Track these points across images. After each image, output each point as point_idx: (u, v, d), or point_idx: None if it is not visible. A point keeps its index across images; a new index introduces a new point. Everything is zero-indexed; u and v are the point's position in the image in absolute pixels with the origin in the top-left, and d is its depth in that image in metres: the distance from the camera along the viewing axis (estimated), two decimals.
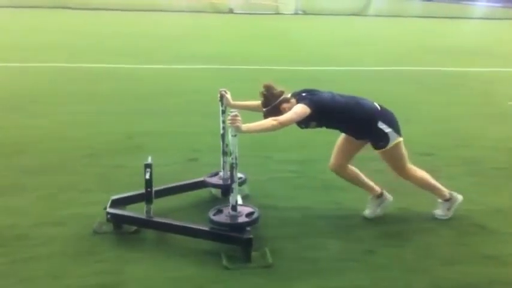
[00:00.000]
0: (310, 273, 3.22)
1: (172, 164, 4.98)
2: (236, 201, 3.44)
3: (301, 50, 13.56)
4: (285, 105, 3.66)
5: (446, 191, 3.97)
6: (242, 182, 4.13)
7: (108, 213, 3.63)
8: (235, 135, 3.32)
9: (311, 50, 13.58)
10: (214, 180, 4.18)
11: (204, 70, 10.17)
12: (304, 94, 3.72)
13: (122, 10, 22.86)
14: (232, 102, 3.98)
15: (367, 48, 14.13)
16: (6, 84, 8.39)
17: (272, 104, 3.67)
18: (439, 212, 4.00)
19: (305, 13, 24.58)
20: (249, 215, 3.49)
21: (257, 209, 3.56)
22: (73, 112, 6.74)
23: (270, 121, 3.50)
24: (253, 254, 3.36)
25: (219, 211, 3.53)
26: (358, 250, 3.51)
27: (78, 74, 9.44)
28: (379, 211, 4.00)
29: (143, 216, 3.58)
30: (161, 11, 23.35)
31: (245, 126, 3.35)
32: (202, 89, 8.24)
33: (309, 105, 3.56)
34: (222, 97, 3.99)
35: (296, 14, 24.43)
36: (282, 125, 3.48)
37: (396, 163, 3.85)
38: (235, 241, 3.39)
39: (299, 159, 5.25)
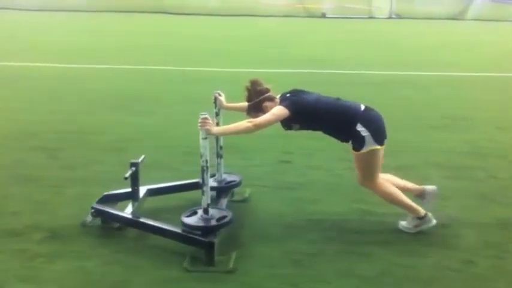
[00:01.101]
0: (409, 280, 3.18)
1: (264, 165, 5.07)
2: (208, 204, 3.38)
3: (395, 54, 13.27)
4: (267, 104, 3.62)
5: (421, 211, 3.71)
6: (235, 185, 4.15)
7: (92, 208, 3.74)
8: (205, 138, 3.28)
9: (405, 54, 13.27)
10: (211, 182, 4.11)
11: (296, 74, 10.21)
12: (288, 95, 3.66)
13: (216, 15, 23.45)
14: (225, 104, 3.98)
15: (464, 54, 13.61)
16: (112, 84, 8.88)
17: (254, 100, 3.65)
18: (404, 223, 3.78)
19: (399, 17, 24.02)
20: (220, 219, 3.42)
21: (230, 213, 3.50)
22: (170, 112, 7.03)
23: (245, 123, 3.44)
24: (219, 258, 3.31)
25: (194, 213, 3.49)
26: (457, 259, 3.42)
27: (173, 76, 9.83)
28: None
29: (122, 213, 3.68)
30: (254, 15, 23.70)
31: (217, 129, 3.40)
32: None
33: (288, 106, 3.50)
34: (215, 99, 3.99)
35: (390, 18, 23.93)
36: (257, 127, 3.42)
37: (365, 170, 3.66)
38: (198, 244, 3.35)
39: (396, 165, 5.16)
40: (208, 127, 3.26)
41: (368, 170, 3.67)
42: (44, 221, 3.87)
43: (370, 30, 18.90)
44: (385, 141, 3.64)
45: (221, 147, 4.03)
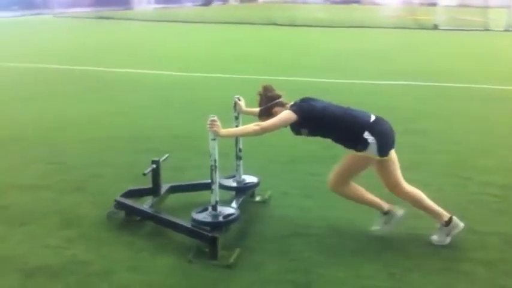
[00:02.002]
0: None
1: (367, 177, 5.01)
2: (216, 202, 3.56)
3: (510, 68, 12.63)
4: (277, 109, 3.71)
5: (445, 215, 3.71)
6: (253, 186, 4.33)
7: (115, 200, 4.03)
8: (214, 139, 3.45)
9: None
10: (228, 182, 4.30)
11: (404, 86, 10.06)
12: (298, 101, 3.72)
13: (323, 26, 23.55)
14: (244, 108, 4.09)
15: None
16: (221, 93, 9.20)
17: (265, 105, 3.76)
18: (435, 237, 3.74)
19: None
20: (227, 216, 3.61)
21: (238, 211, 3.70)
22: None
23: (252, 126, 3.59)
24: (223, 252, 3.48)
25: (205, 209, 3.66)
26: None
27: (276, 86, 9.96)
28: (387, 228, 3.84)
29: (140, 207, 3.96)
30: (364, 27, 23.51)
31: (225, 131, 3.49)
32: (400, 105, 8.17)
33: (296, 112, 3.58)
34: (235, 104, 4.10)
35: (507, 30, 22.71)
36: (264, 130, 3.54)
37: (344, 168, 3.71)
38: (203, 238, 3.52)
39: (501, 183, 4.96)
40: (216, 129, 3.43)
41: (348, 170, 3.72)
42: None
43: (485, 43, 18.12)
44: (390, 152, 3.65)
45: (240, 150, 4.21)
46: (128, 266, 3.43)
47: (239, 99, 4.14)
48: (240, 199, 4.11)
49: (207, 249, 3.51)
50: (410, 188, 3.77)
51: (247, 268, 3.43)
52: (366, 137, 3.56)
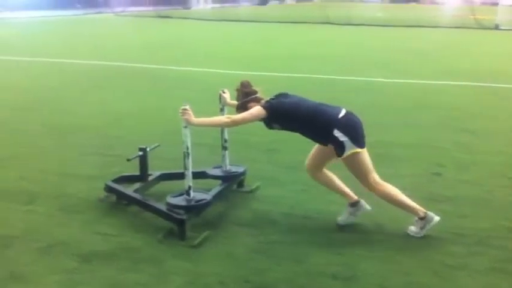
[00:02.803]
0: None
1: (412, 175, 5.04)
2: (189, 187, 3.78)
3: None
4: (252, 104, 3.88)
5: (420, 210, 3.77)
6: (241, 174, 4.57)
7: (105, 184, 4.36)
8: (185, 127, 3.67)
9: None
10: (215, 172, 4.53)
11: (462, 87, 9.86)
12: (271, 97, 3.88)
13: (381, 26, 23.30)
14: (228, 101, 4.28)
15: None
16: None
17: (242, 100, 3.95)
18: (412, 228, 3.82)
19: None
20: (199, 201, 3.84)
21: (210, 196, 3.92)
22: None
23: (224, 118, 3.91)
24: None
25: (180, 194, 3.88)
26: None
27: (331, 86, 10.02)
28: (352, 219, 3.96)
29: (124, 190, 4.24)
30: (423, 26, 23.10)
31: (197, 120, 3.68)
32: (457, 105, 8.11)
33: (265, 108, 3.75)
34: (220, 96, 4.30)
35: None
36: (235, 123, 3.78)
37: (356, 172, 3.79)
38: (171, 220, 3.78)
39: None
40: (187, 117, 3.64)
41: (358, 172, 3.78)
42: None
43: None
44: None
45: (226, 141, 4.45)
46: (174, 253, 3.57)
47: (224, 92, 4.35)
48: (222, 187, 4.29)
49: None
50: (384, 183, 3.85)
51: (291, 259, 3.50)
52: (335, 135, 3.65)
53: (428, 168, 5.25)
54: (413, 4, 44.74)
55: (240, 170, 4.60)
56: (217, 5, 43.86)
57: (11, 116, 7.41)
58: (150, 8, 34.49)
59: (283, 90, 4.01)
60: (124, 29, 23.73)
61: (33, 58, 13.24)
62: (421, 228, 3.79)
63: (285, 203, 4.41)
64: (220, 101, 4.36)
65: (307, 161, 4.03)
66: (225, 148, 4.49)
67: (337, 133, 3.65)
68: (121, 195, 4.29)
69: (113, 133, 6.51)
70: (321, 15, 26.24)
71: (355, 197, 4.00)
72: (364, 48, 15.82)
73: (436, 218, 3.77)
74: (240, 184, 4.68)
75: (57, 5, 30.14)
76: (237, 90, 4.04)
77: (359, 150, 3.69)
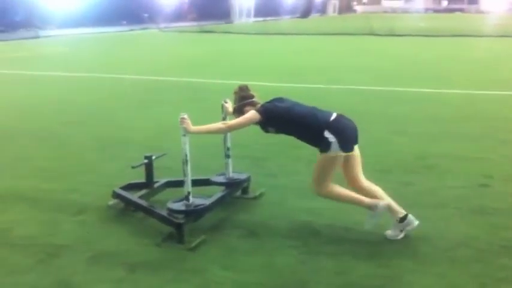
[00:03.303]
0: None
1: (460, 187, 4.95)
2: (188, 192, 3.91)
3: None
4: (248, 108, 3.95)
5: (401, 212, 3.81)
6: (244, 181, 4.65)
7: (113, 191, 4.53)
8: (184, 135, 3.81)
9: None
10: (219, 179, 4.64)
11: (508, 96, 9.65)
12: (266, 102, 3.96)
13: (424, 36, 23.05)
14: (230, 110, 4.30)
15: None
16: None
17: (238, 104, 4.03)
18: (389, 232, 3.88)
19: None
20: (197, 205, 3.95)
21: (208, 202, 4.02)
22: (364, 130, 7.15)
23: (219, 124, 3.99)
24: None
25: (180, 200, 3.99)
26: None
27: (374, 96, 9.98)
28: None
29: (130, 196, 4.39)
30: (467, 35, 22.72)
31: (194, 128, 3.81)
32: (502, 115, 7.95)
33: (260, 112, 3.85)
34: (222, 107, 4.37)
35: None
36: (230, 128, 3.93)
37: (320, 171, 3.86)
38: (171, 224, 3.89)
39: None
40: (185, 126, 3.79)
41: (321, 173, 3.86)
42: (245, 220, 4.33)
43: None
44: (355, 147, 3.86)
45: (228, 149, 4.56)
46: (220, 264, 3.62)
47: (226, 102, 4.41)
48: (224, 193, 4.40)
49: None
50: (368, 183, 3.94)
51: (334, 271, 3.49)
52: (326, 135, 3.74)
53: (476, 180, 5.15)
54: (457, 13, 43.97)
55: (243, 177, 4.70)
56: (259, 19, 44.20)
57: (62, 129, 7.64)
58: (194, 23, 35.04)
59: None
60: (169, 44, 24.20)
61: (81, 74, 13.64)
62: (401, 231, 3.86)
63: (326, 214, 4.39)
64: (222, 111, 4.45)
65: (311, 185, 4.04)
66: (227, 156, 4.60)
67: (327, 134, 3.75)
68: (127, 202, 4.45)
69: (160, 145, 6.62)
70: (365, 26, 26.12)
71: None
72: (409, 59, 15.67)
73: (416, 223, 3.84)
74: (245, 191, 4.79)
75: (103, 22, 30.97)
76: (235, 93, 4.14)
77: (341, 154, 3.76)
